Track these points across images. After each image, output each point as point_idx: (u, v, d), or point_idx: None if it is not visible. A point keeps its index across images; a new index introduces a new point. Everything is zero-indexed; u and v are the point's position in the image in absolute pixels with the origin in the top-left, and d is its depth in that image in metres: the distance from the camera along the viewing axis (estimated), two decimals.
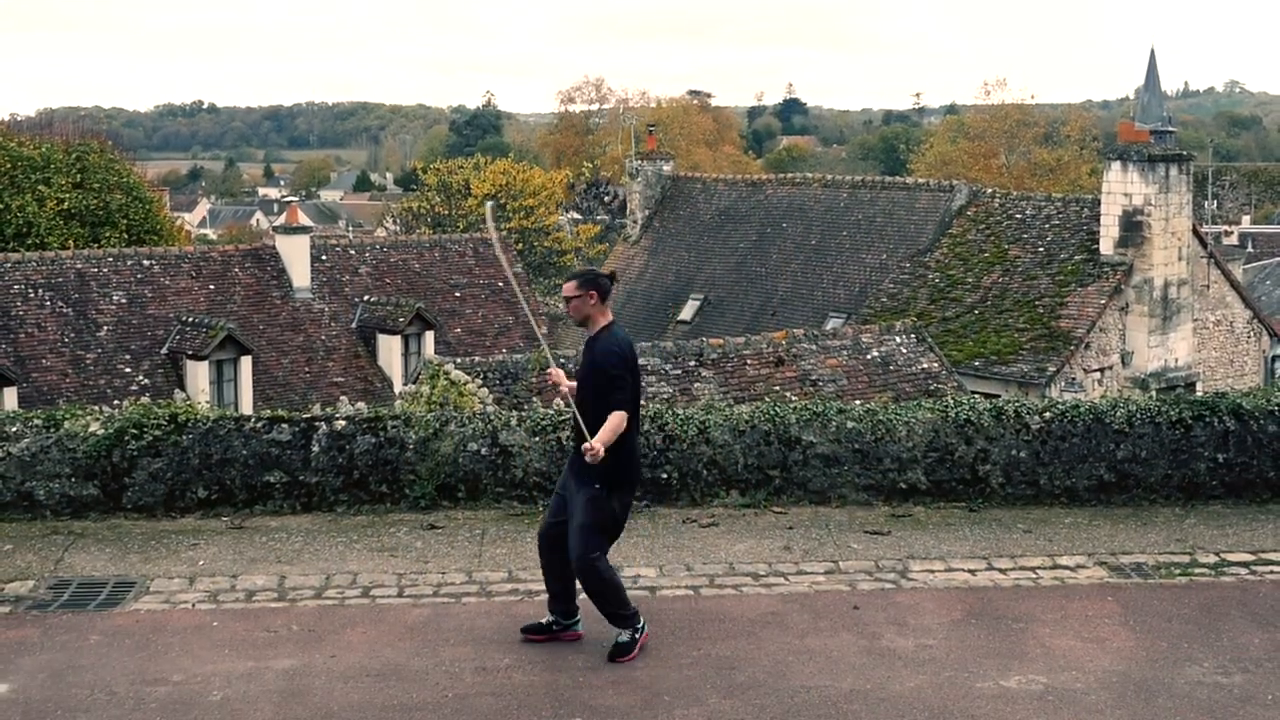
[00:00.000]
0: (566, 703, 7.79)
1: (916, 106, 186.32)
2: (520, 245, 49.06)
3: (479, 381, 18.27)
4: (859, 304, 33.72)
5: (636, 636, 8.43)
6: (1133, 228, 29.99)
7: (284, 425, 11.63)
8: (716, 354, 21.48)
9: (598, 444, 8.06)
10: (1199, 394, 17.79)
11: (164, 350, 29.85)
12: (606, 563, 8.42)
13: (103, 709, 7.72)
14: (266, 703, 7.79)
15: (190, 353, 29.36)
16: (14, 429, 11.44)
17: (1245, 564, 10.41)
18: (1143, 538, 11.01)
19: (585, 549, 8.27)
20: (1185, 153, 31.63)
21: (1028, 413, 11.99)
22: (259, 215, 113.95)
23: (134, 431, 11.41)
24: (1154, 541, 10.92)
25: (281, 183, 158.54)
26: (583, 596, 8.58)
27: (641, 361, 20.43)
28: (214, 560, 10.35)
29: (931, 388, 21.99)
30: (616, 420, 8.16)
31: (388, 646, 8.61)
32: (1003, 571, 10.21)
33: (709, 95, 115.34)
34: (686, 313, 37.03)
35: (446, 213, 58.64)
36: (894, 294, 32.96)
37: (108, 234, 37.27)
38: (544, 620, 8.70)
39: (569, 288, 8.43)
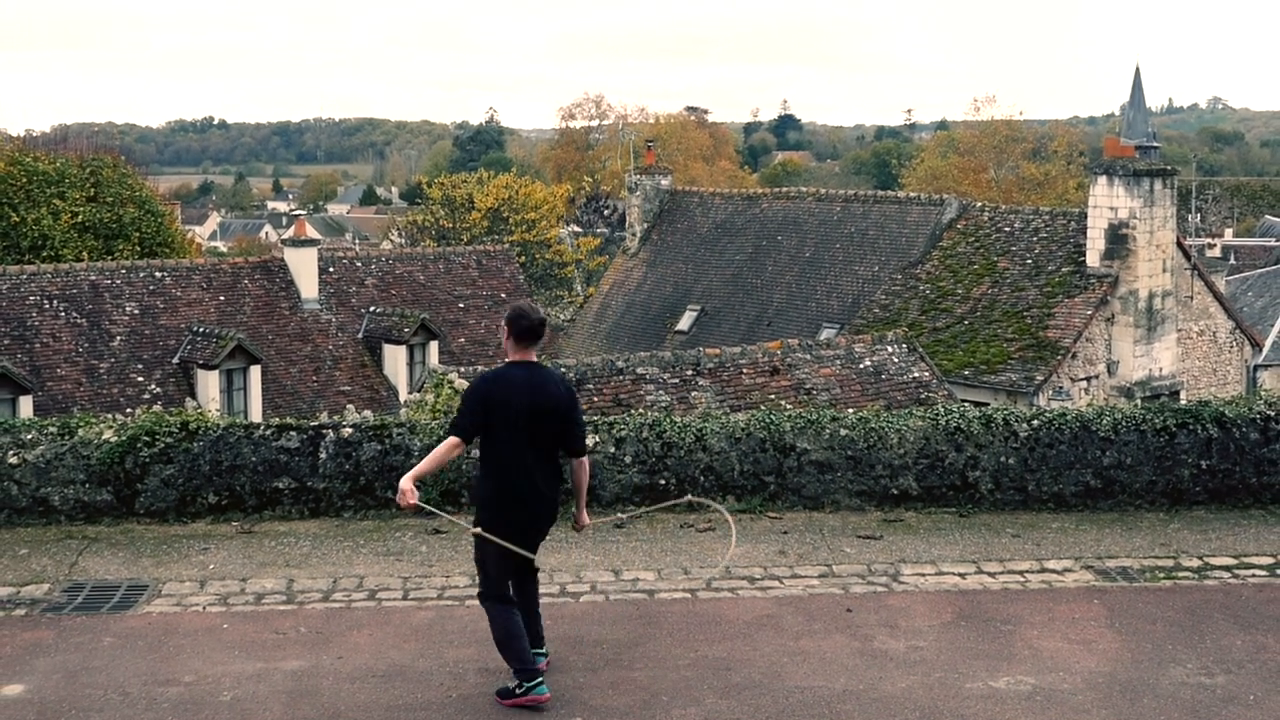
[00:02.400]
0: (567, 703, 7.79)
1: (908, 123, 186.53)
2: (522, 258, 49.08)
3: None
4: (852, 315, 33.73)
5: (518, 692, 7.79)
6: (1118, 240, 30.01)
7: (292, 433, 11.65)
8: (713, 363, 21.48)
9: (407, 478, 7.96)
10: (1183, 402, 17.79)
11: (175, 360, 29.84)
12: (500, 609, 7.96)
13: (116, 709, 7.73)
14: (275, 703, 7.80)
15: (201, 362, 29.36)
16: (30, 436, 11.46)
17: (1228, 568, 10.43)
18: (1128, 542, 11.03)
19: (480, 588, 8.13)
20: (1169, 167, 31.65)
21: (1016, 421, 12.01)
22: (268, 228, 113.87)
23: (146, 439, 11.43)
24: (1139, 546, 10.93)
25: (290, 197, 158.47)
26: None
27: (640, 370, 20.51)
28: (224, 564, 10.36)
29: (922, 396, 21.98)
30: (443, 445, 7.91)
31: (393, 648, 8.62)
32: (992, 575, 10.22)
33: (706, 112, 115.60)
34: (684, 323, 37.02)
35: (450, 226, 58.69)
36: (886, 305, 32.97)
37: (120, 246, 37.28)
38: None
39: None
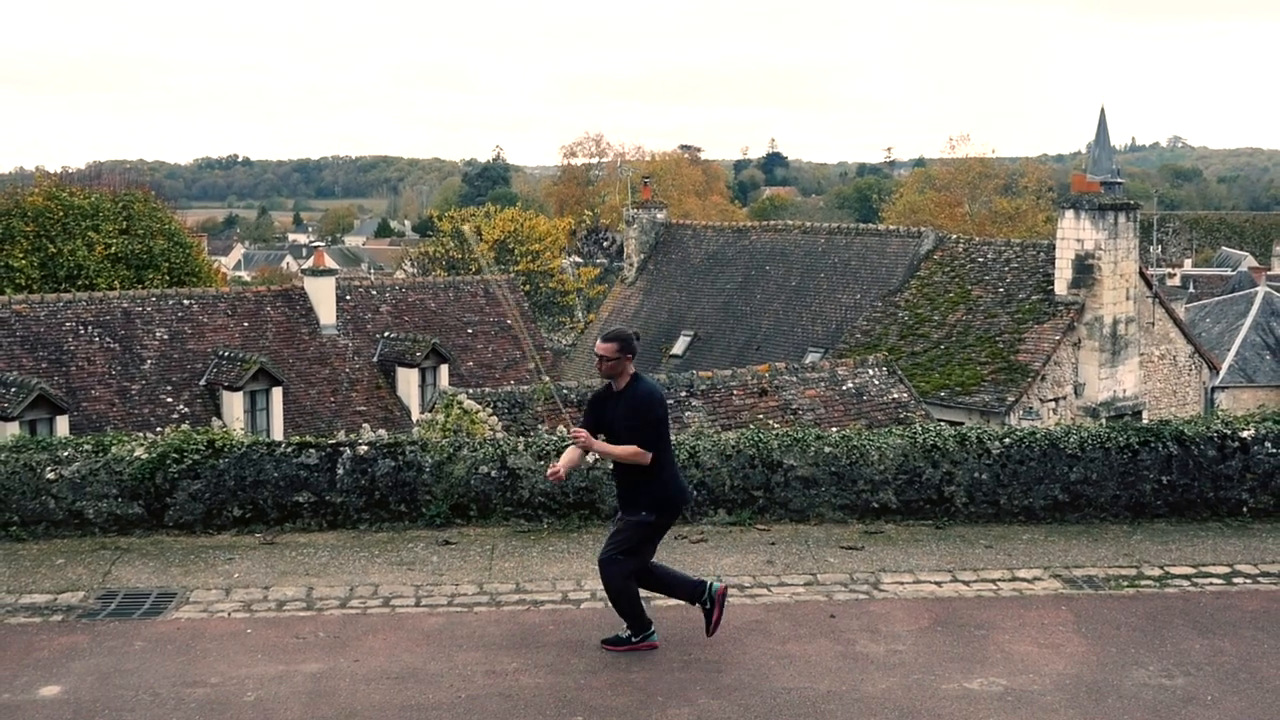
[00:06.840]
0: (569, 703, 7.80)
1: (888, 160, 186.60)
2: (527, 286, 49.13)
3: (489, 410, 18.30)
4: (835, 340, 33.77)
5: (634, 640, 8.59)
6: (1084, 270, 30.10)
7: (312, 450, 11.66)
8: (705, 385, 21.51)
9: (602, 447, 8.48)
10: (1145, 422, 17.81)
11: (202, 382, 29.85)
12: (629, 570, 8.51)
13: (146, 709, 7.74)
14: (296, 703, 7.81)
15: (226, 384, 29.36)
16: (66, 453, 11.47)
17: (1187, 576, 10.44)
18: (1094, 552, 11.04)
19: (613, 551, 8.47)
20: (1132, 202, 31.74)
21: (989, 439, 12.03)
22: (289, 259, 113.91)
23: (175, 456, 11.44)
24: (1104, 556, 10.95)
25: (309, 229, 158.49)
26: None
27: None
28: (248, 573, 10.37)
29: (901, 416, 22.01)
30: (630, 451, 8.35)
31: (406, 652, 8.63)
32: (966, 583, 10.24)
33: (699, 150, 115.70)
34: (678, 348, 37.06)
35: (460, 257, 58.76)
36: (867, 331, 33.02)
37: (151, 276, 37.31)
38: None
39: (608, 349, 8.39)
